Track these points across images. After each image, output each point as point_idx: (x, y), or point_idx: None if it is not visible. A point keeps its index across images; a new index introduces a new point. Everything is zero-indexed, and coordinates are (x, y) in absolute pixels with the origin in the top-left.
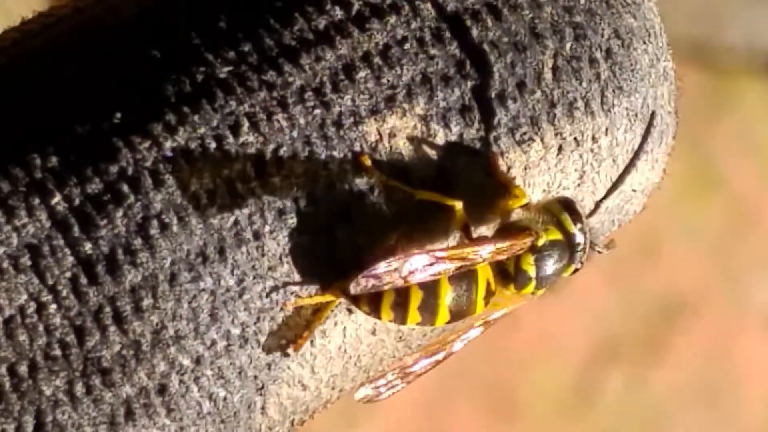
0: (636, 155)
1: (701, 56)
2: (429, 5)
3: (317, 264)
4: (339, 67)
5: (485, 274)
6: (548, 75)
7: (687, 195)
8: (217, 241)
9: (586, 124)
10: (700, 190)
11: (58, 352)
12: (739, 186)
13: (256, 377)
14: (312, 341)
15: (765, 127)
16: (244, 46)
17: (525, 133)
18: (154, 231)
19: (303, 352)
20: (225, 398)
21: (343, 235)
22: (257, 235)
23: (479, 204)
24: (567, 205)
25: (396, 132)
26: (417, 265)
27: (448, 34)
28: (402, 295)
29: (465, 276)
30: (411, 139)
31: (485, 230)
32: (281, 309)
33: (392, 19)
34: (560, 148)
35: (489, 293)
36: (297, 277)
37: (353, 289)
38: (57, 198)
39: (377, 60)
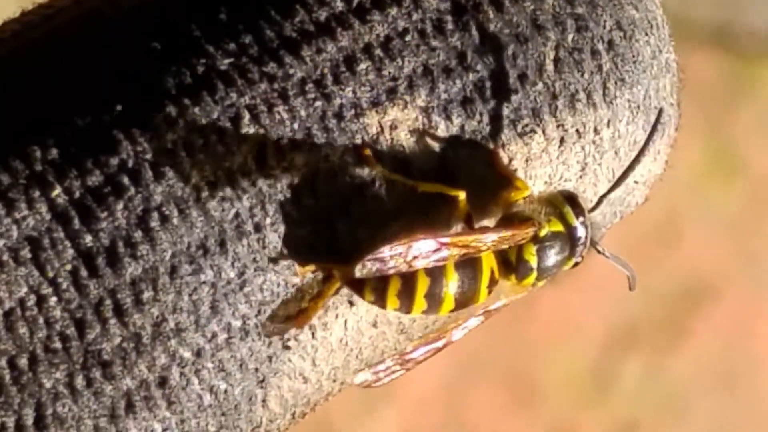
0: (641, 152)
1: (723, 40)
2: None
3: (318, 256)
4: (340, 58)
5: (489, 263)
6: (550, 67)
7: (708, 178)
8: (218, 234)
9: (588, 115)
10: (720, 174)
11: (58, 344)
12: (761, 169)
13: (257, 370)
14: (313, 334)
15: None
16: (245, 37)
17: (527, 125)
18: (154, 223)
19: (304, 345)
20: (226, 391)
21: (344, 227)
22: (258, 228)
23: (481, 196)
24: (569, 198)
25: (397, 124)
26: (422, 250)
27: (449, 26)
28: (408, 283)
29: (469, 264)
30: (412, 131)
31: (487, 222)
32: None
33: (393, 11)
34: (562, 140)
35: (492, 282)
36: (298, 270)
37: (358, 272)
38: (57, 190)
39: (378, 52)
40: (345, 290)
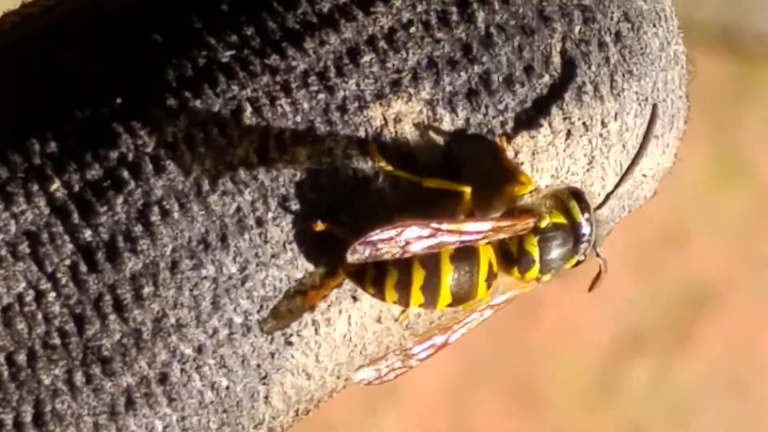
0: (640, 151)
1: (729, 43)
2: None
3: (321, 251)
4: (343, 50)
5: (487, 255)
6: (556, 59)
7: (713, 183)
8: (219, 228)
9: (595, 108)
10: (726, 178)
11: (57, 340)
12: (765, 175)
13: (259, 366)
14: (316, 330)
15: None
16: (247, 29)
17: (533, 118)
18: (154, 218)
19: (307, 341)
20: (227, 387)
21: (347, 221)
22: (260, 222)
23: (486, 190)
24: (576, 194)
25: (401, 117)
26: (415, 234)
27: (454, 18)
28: (404, 275)
29: (466, 256)
30: (417, 124)
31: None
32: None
33: (398, 2)
34: (569, 133)
35: (491, 275)
36: (301, 264)
37: (350, 257)
38: (56, 184)
39: (382, 44)
40: (349, 285)
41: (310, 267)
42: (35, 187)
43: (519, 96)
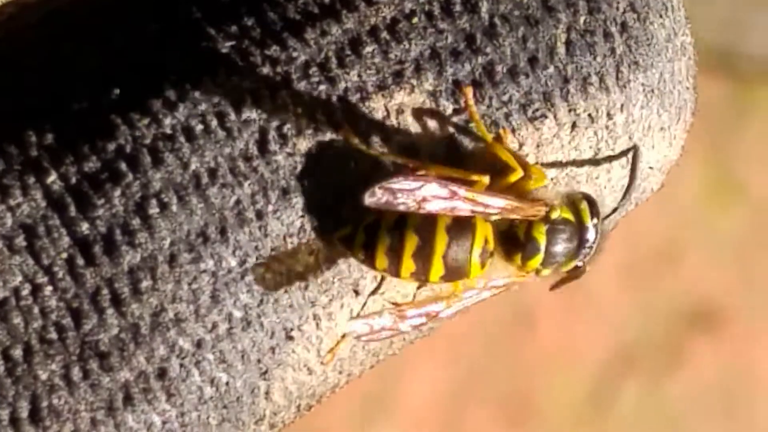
0: (628, 188)
1: (724, 64)
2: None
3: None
4: (345, 41)
5: (484, 231)
6: (561, 49)
7: (709, 202)
8: (219, 221)
9: (601, 100)
10: (722, 197)
11: (54, 335)
12: (762, 193)
13: (259, 361)
14: (318, 324)
15: None
16: (247, 20)
17: (537, 110)
18: (153, 210)
19: (308, 335)
20: (227, 383)
21: (349, 215)
22: (260, 215)
23: (492, 184)
24: (589, 200)
25: (404, 108)
26: (434, 192)
27: (458, 8)
28: (397, 240)
29: (463, 228)
30: (419, 116)
31: None
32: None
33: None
34: (574, 125)
35: (485, 252)
36: (301, 258)
37: (368, 199)
38: (53, 176)
39: (384, 34)
40: (350, 279)
41: (311, 260)
42: (32, 180)
43: (523, 87)
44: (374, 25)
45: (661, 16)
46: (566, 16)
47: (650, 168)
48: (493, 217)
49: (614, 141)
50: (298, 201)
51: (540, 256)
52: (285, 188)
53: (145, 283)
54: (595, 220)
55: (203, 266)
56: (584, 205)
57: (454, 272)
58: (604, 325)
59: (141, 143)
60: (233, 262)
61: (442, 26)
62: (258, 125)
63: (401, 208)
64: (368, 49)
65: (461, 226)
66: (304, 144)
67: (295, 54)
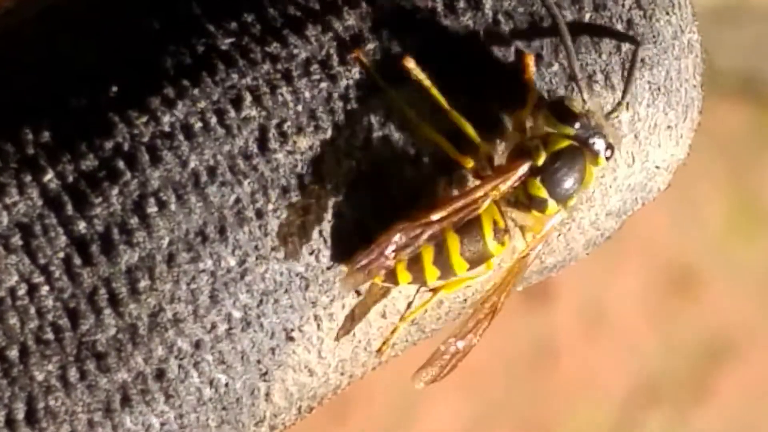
0: (626, 87)
1: (748, 90)
2: None
3: (324, 244)
4: (346, 38)
5: (490, 216)
6: None
7: (732, 231)
8: (218, 220)
9: (606, 98)
10: (745, 226)
11: (50, 335)
12: None
13: (259, 362)
14: (318, 325)
15: None
16: (247, 16)
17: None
18: (151, 209)
19: (309, 336)
20: (226, 384)
21: (351, 213)
22: (260, 214)
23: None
24: (557, 112)
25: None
26: (403, 239)
27: (461, 4)
28: (414, 256)
29: (469, 223)
30: (423, 112)
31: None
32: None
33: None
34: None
35: (499, 232)
36: (302, 258)
37: (347, 287)
38: (49, 175)
39: (386, 31)
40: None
41: (312, 260)
42: (28, 178)
43: None
44: (376, 21)
45: (667, 13)
46: (571, 13)
47: (657, 167)
48: (484, 206)
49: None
50: (298, 200)
51: (551, 203)
52: (285, 187)
53: (143, 283)
54: (576, 123)
55: (202, 266)
56: (558, 125)
57: (478, 260)
58: (627, 357)
59: (139, 141)
60: (232, 262)
61: (446, 23)
62: (258, 123)
63: (383, 270)
64: (370, 45)
65: (468, 222)
66: (304, 142)
67: (295, 51)
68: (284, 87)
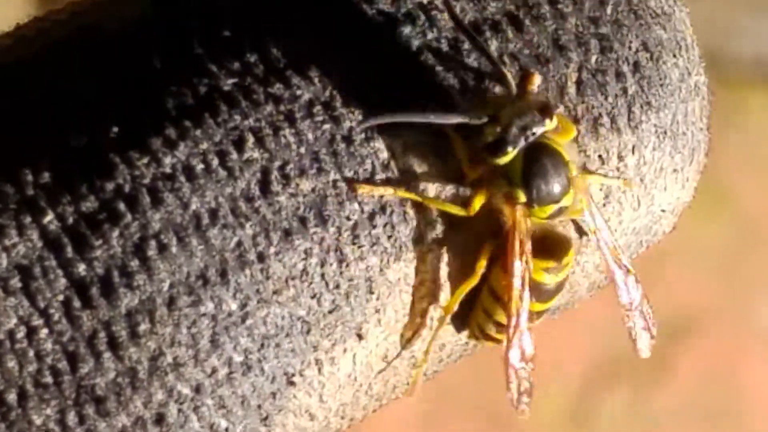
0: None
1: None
2: (446, 15)
3: (326, 288)
4: (351, 79)
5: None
6: (572, 89)
7: (692, 212)
8: (219, 263)
9: (612, 141)
10: (705, 207)
11: (49, 379)
12: (746, 203)
13: (260, 407)
14: (320, 369)
15: None
16: (250, 56)
17: None
18: (151, 252)
19: (310, 381)
20: (227, 429)
21: (354, 256)
22: (261, 257)
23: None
24: (490, 147)
25: (408, 147)
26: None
27: (466, 46)
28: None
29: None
30: (425, 155)
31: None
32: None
33: (407, 30)
34: (584, 167)
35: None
36: (304, 301)
37: (518, 407)
38: (49, 216)
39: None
40: (353, 323)
41: (314, 304)
42: (28, 220)
43: None
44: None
45: (674, 56)
46: (577, 56)
47: (662, 210)
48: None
49: None
50: (300, 243)
51: (552, 208)
52: (287, 230)
53: (143, 327)
54: (508, 144)
55: (203, 309)
56: (494, 155)
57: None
58: (586, 338)
59: (140, 183)
60: (234, 306)
61: (450, 66)
62: (260, 165)
63: (527, 371)
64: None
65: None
66: (307, 184)
67: (299, 92)
68: (287, 128)
